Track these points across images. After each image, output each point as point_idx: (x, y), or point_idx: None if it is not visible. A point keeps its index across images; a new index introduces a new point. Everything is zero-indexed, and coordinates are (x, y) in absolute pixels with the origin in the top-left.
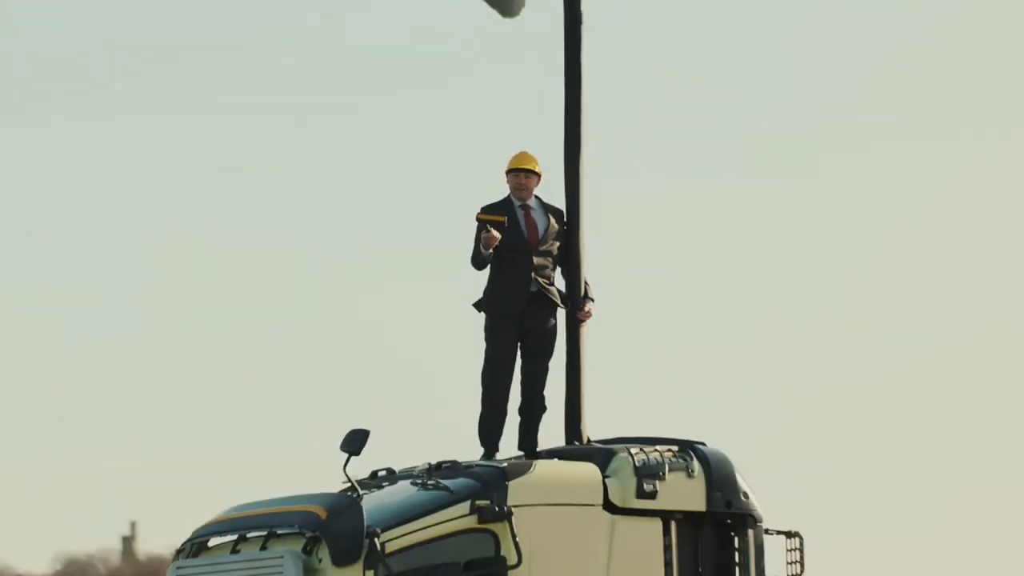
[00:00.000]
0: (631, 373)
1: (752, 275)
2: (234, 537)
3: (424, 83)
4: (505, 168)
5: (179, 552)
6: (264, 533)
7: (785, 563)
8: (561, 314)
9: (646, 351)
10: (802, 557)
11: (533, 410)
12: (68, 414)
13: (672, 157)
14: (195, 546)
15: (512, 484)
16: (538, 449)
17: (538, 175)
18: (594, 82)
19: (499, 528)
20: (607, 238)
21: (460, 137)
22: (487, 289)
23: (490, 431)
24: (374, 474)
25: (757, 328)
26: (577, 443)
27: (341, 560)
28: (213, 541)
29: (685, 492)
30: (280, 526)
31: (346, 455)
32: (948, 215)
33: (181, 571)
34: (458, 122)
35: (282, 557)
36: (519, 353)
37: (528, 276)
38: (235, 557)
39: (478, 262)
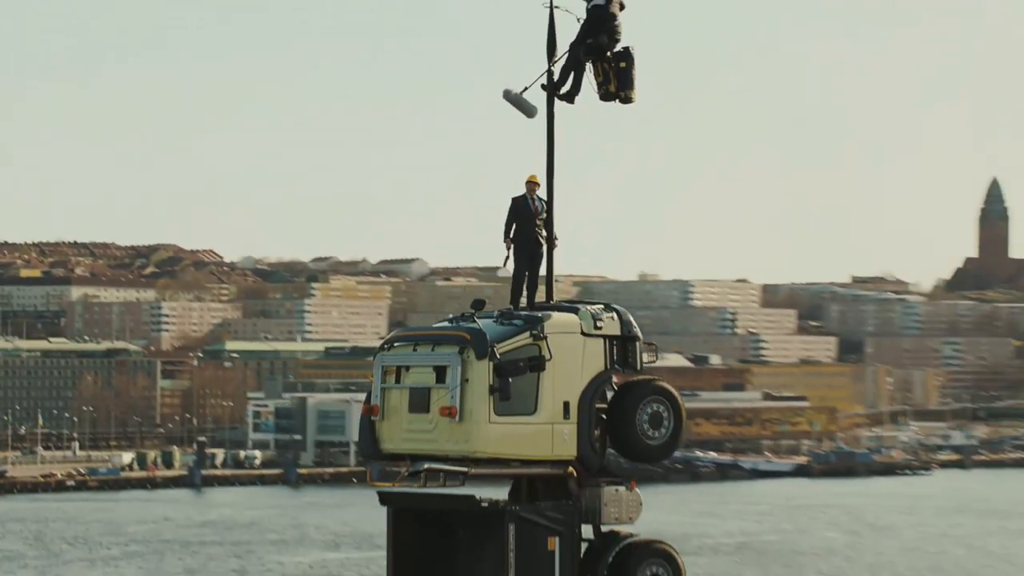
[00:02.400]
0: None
1: None
2: (412, 343)
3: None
4: (525, 180)
5: (379, 349)
6: (431, 343)
7: (647, 355)
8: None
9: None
10: (656, 351)
11: (533, 287)
12: None
13: None
14: (389, 346)
15: (545, 323)
16: (536, 304)
17: (538, 184)
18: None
19: (541, 343)
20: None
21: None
22: (514, 235)
23: (516, 297)
24: (463, 315)
25: None
26: (551, 302)
27: (479, 357)
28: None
29: (611, 326)
30: (442, 340)
31: (473, 310)
32: None
33: (384, 357)
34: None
35: (450, 353)
36: (529, 263)
37: (533, 230)
38: (417, 353)
39: (508, 225)
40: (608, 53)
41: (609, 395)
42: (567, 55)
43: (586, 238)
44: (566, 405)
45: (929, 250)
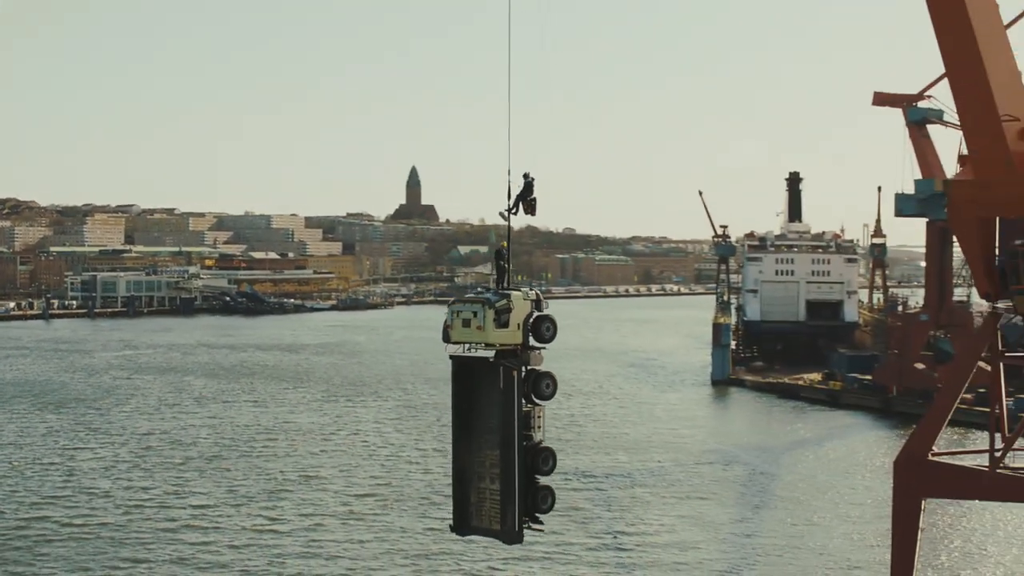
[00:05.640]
0: None
1: None
2: (463, 303)
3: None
4: (502, 243)
5: (450, 304)
6: (471, 302)
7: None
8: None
9: None
10: (547, 305)
11: (502, 281)
12: None
13: None
14: (454, 303)
15: (511, 295)
16: (505, 287)
17: (506, 245)
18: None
19: (510, 302)
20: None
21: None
22: (496, 262)
23: (498, 285)
24: (482, 291)
25: None
26: (509, 285)
27: (490, 308)
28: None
29: (531, 296)
30: (475, 301)
31: (486, 290)
32: None
33: (452, 306)
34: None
35: (480, 306)
36: (500, 275)
37: (503, 263)
38: (466, 306)
39: (495, 258)
40: (529, 198)
41: (531, 320)
42: (516, 198)
43: (234, 192)
44: (518, 324)
45: (382, 196)
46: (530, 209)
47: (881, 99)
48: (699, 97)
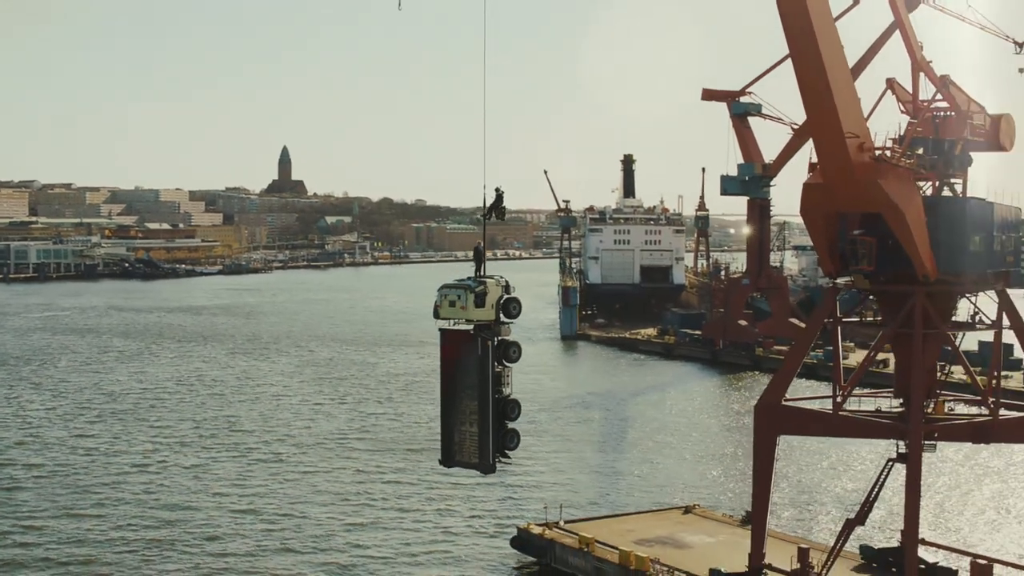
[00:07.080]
0: None
1: None
2: (450, 287)
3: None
4: (478, 243)
5: (440, 288)
6: (456, 287)
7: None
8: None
9: None
10: (513, 289)
11: (479, 270)
12: None
13: None
14: (442, 287)
15: (487, 282)
16: (483, 275)
17: (481, 242)
18: None
19: (486, 286)
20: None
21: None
22: (475, 255)
23: (476, 272)
24: (463, 279)
25: None
26: (485, 274)
27: (471, 292)
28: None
29: (502, 282)
30: (460, 286)
31: (471, 279)
32: None
33: (441, 290)
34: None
35: (463, 290)
36: (479, 264)
37: (480, 256)
38: (452, 289)
39: (475, 251)
40: (501, 205)
41: (502, 301)
42: (489, 207)
43: (125, 167)
44: (492, 304)
45: (256, 172)
46: (500, 215)
47: (709, 95)
48: (544, 84)
